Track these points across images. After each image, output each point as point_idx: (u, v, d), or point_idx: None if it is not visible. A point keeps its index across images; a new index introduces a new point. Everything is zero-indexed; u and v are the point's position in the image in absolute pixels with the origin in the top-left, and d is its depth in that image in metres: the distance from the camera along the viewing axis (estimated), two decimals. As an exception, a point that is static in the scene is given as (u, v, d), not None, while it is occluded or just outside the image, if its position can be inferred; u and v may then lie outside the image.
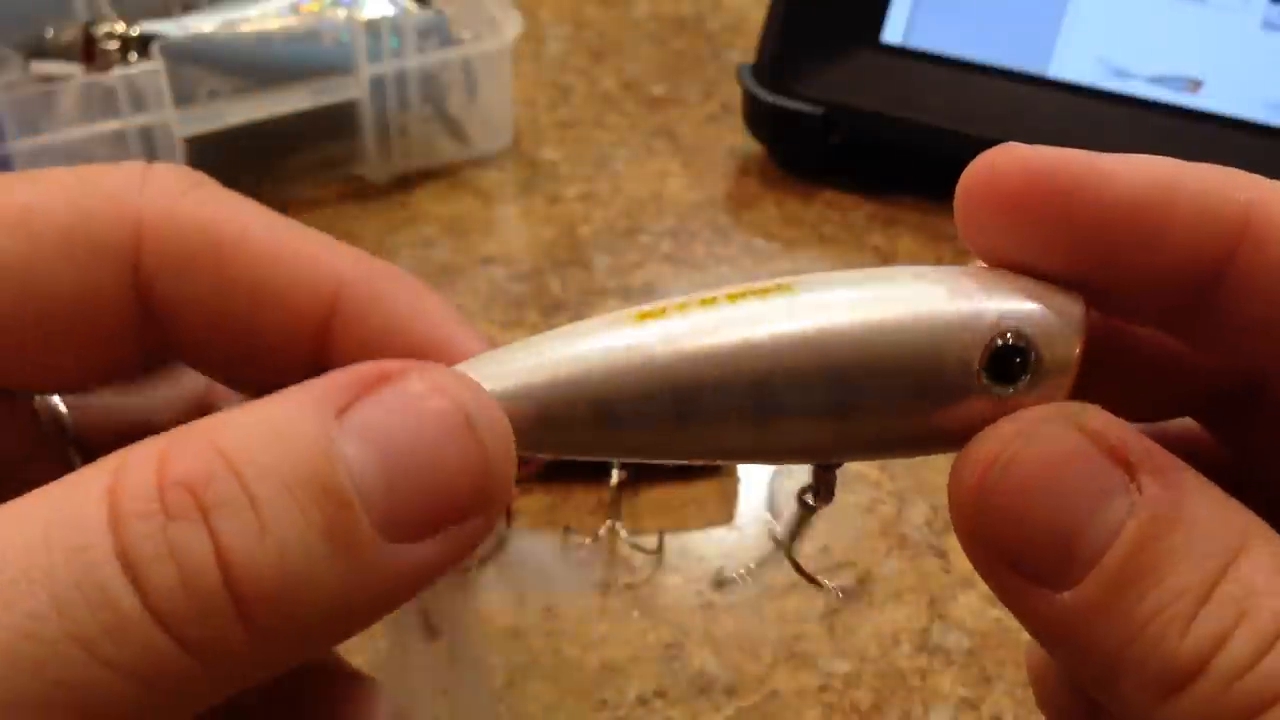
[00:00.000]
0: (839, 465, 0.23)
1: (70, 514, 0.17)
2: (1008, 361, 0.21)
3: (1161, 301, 0.21)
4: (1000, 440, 0.20)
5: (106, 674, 0.16)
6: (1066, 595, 0.19)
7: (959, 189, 0.22)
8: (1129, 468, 0.19)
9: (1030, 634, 0.21)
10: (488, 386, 0.21)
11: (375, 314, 0.23)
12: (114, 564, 0.16)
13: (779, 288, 0.21)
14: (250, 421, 0.18)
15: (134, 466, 0.17)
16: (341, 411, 0.18)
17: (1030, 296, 0.21)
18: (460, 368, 0.22)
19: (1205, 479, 0.20)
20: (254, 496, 0.17)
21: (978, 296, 0.21)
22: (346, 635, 0.19)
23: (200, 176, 0.23)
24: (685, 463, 0.23)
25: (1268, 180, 0.21)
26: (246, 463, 0.17)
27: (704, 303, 0.21)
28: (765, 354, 0.21)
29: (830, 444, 0.22)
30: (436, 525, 0.19)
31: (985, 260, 0.22)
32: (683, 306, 0.21)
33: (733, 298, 0.21)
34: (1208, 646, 0.18)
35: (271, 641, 0.17)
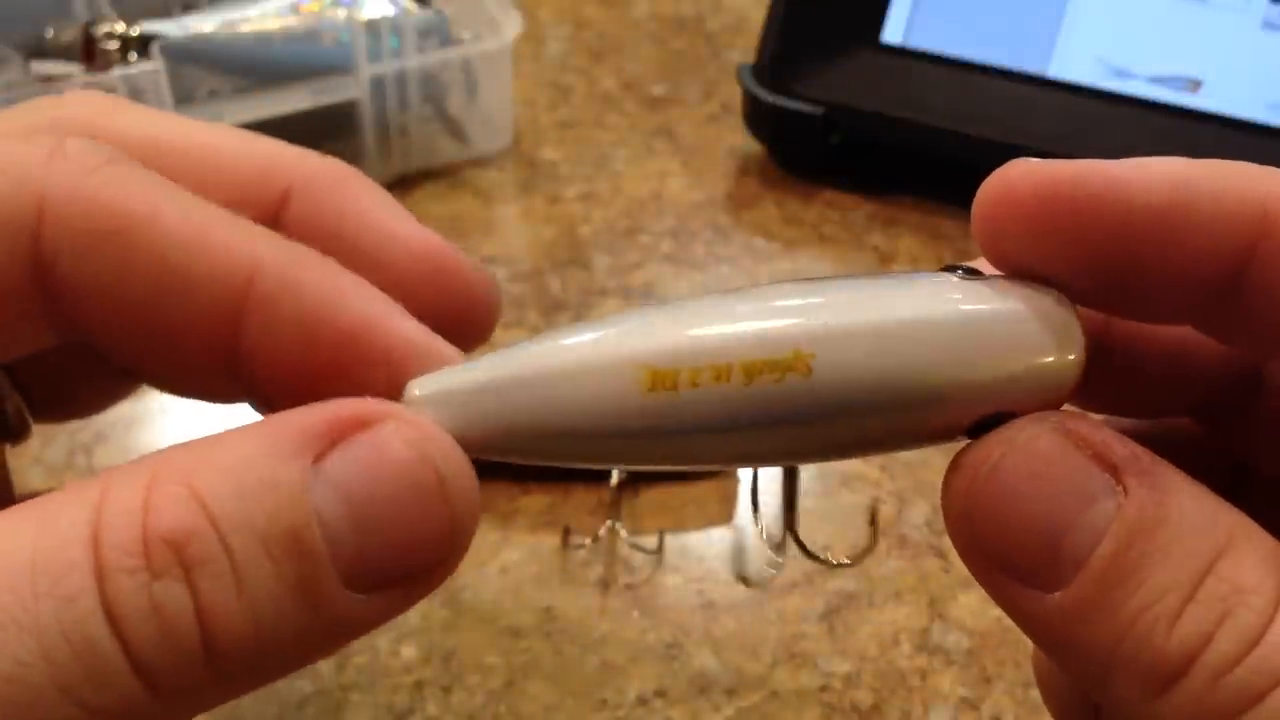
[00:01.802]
0: None
1: (55, 557, 0.17)
2: (996, 421, 0.21)
3: (1181, 300, 0.21)
4: (986, 447, 0.21)
5: (83, 716, 0.17)
6: (1056, 596, 0.20)
7: (976, 205, 0.22)
8: (1114, 470, 0.20)
9: (1026, 635, 0.21)
10: (472, 407, 0.21)
11: (291, 302, 0.22)
12: (99, 615, 0.17)
13: (796, 358, 0.20)
14: (229, 465, 0.18)
15: (118, 512, 0.18)
16: (318, 458, 0.19)
17: (1031, 355, 0.21)
18: (444, 376, 0.21)
19: (1191, 479, 0.20)
20: (232, 552, 0.18)
21: (984, 363, 0.21)
22: (298, 668, 0.20)
23: (118, 154, 0.22)
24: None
25: None
26: (225, 515, 0.18)
27: (717, 376, 0.20)
28: (772, 446, 0.21)
29: (815, 461, 0.23)
30: (397, 579, 0.19)
31: (1000, 268, 0.22)
32: (694, 377, 0.20)
33: (748, 373, 0.20)
34: (1194, 643, 0.19)
35: (233, 683, 0.18)
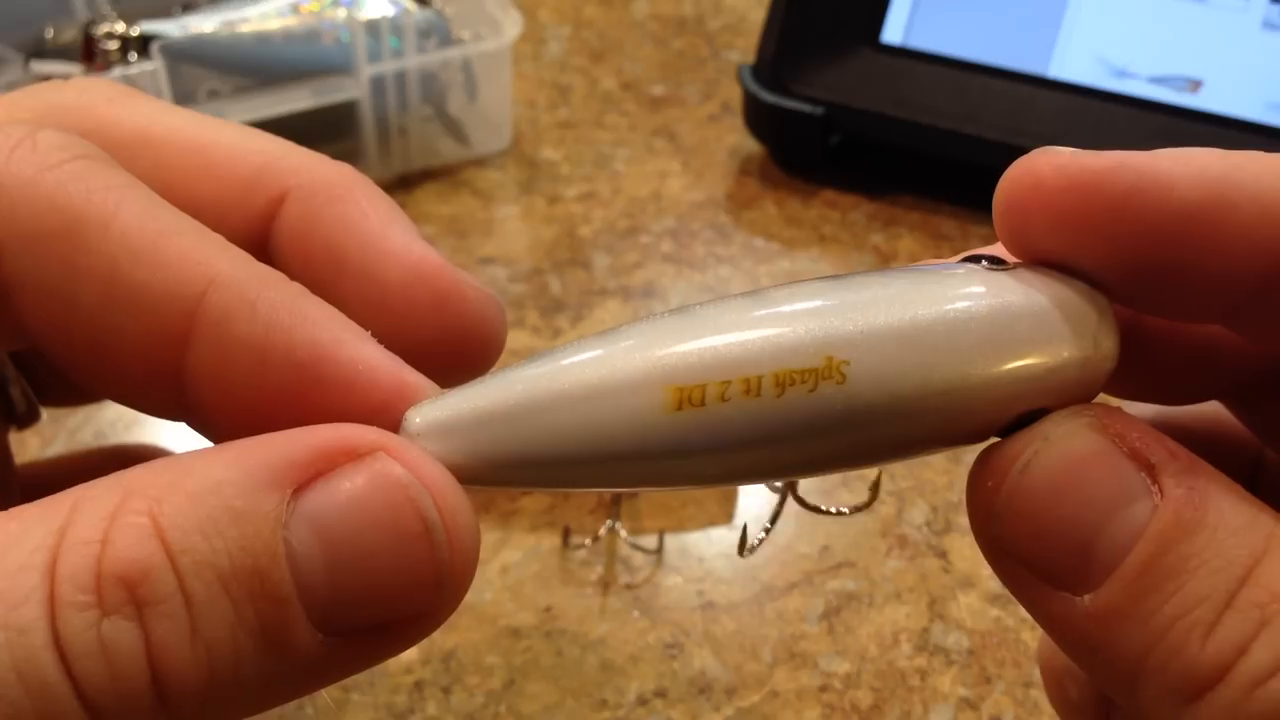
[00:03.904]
0: None
1: (13, 584, 0.17)
2: (1028, 419, 0.20)
3: (1216, 300, 0.21)
4: (1019, 443, 0.20)
5: None
6: (1086, 599, 0.19)
7: (999, 195, 0.21)
8: (1150, 469, 0.19)
9: (1049, 637, 0.21)
10: (478, 438, 0.19)
11: (244, 322, 0.20)
12: (50, 650, 0.16)
13: (829, 366, 0.19)
14: (200, 492, 0.17)
15: (77, 541, 0.17)
16: (298, 489, 0.18)
17: (1069, 350, 0.20)
18: (445, 403, 0.20)
19: (1229, 480, 0.19)
20: (188, 593, 0.17)
21: (1022, 360, 0.20)
22: (270, 708, 0.19)
23: (89, 149, 0.21)
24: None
25: None
26: (185, 551, 0.17)
27: (747, 390, 0.19)
28: (804, 458, 0.20)
29: (846, 470, 0.22)
30: (377, 626, 0.18)
31: (1023, 259, 0.21)
32: (722, 391, 0.19)
33: (779, 384, 0.19)
34: (1229, 653, 0.18)
35: None
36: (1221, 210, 0.19)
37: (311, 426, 0.19)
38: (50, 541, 0.17)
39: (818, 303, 0.20)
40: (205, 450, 0.18)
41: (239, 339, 0.20)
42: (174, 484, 0.17)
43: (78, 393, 0.28)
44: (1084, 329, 0.20)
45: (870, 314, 0.19)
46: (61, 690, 0.16)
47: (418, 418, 0.19)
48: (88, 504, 0.17)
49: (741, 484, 0.20)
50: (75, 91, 0.24)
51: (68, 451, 0.29)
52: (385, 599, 0.18)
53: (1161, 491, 0.19)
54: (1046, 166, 0.20)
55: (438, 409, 0.19)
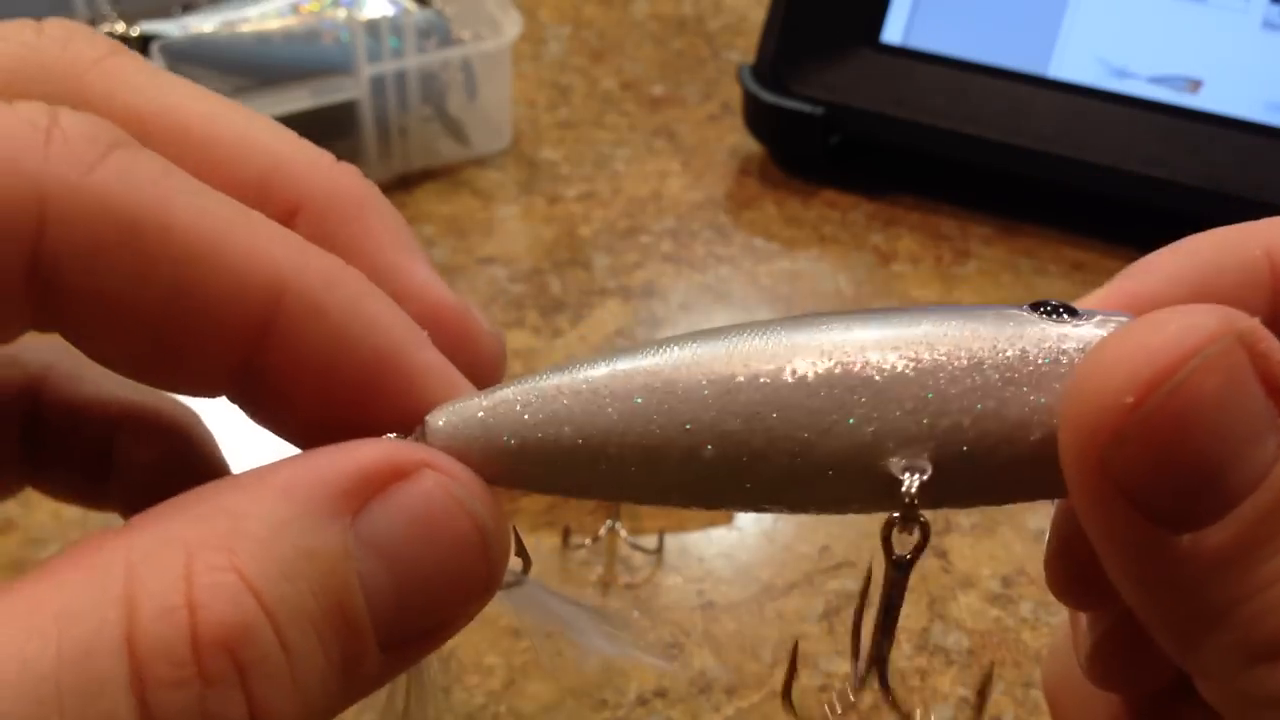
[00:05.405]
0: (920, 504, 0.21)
1: (85, 669, 0.15)
2: (1056, 312, 0.19)
3: None
4: (1163, 350, 0.17)
5: None
6: (1185, 538, 0.17)
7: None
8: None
9: (1114, 569, 0.19)
10: (498, 439, 0.20)
11: (313, 325, 0.19)
12: None
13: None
14: (267, 536, 0.17)
15: (156, 611, 0.16)
16: (355, 513, 0.18)
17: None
18: (466, 406, 0.20)
19: None
20: (287, 645, 0.16)
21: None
22: None
23: (119, 135, 0.19)
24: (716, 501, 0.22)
25: (1273, 220, 0.21)
26: (278, 602, 0.16)
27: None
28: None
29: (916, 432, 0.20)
30: (430, 635, 0.19)
31: None
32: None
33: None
34: None
35: None
36: (1206, 288, 0.21)
37: (353, 446, 0.18)
38: (114, 614, 0.15)
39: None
40: (243, 483, 0.18)
41: (308, 341, 0.20)
42: (237, 530, 0.17)
43: None
44: None
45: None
46: None
47: (441, 420, 0.20)
48: (147, 566, 0.16)
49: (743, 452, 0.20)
50: (57, 47, 0.21)
51: None
52: (445, 606, 0.19)
53: None
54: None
55: (458, 413, 0.20)
